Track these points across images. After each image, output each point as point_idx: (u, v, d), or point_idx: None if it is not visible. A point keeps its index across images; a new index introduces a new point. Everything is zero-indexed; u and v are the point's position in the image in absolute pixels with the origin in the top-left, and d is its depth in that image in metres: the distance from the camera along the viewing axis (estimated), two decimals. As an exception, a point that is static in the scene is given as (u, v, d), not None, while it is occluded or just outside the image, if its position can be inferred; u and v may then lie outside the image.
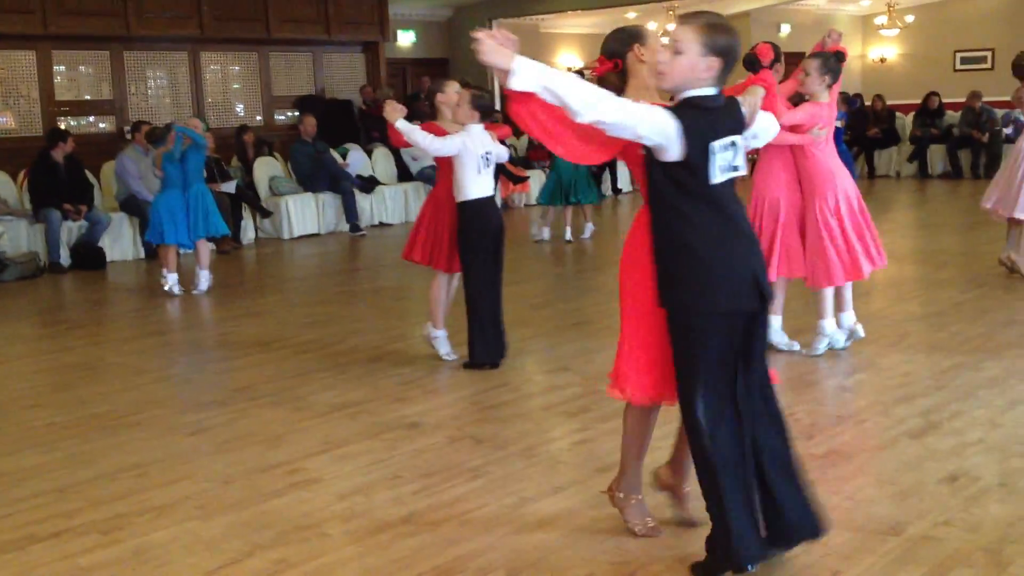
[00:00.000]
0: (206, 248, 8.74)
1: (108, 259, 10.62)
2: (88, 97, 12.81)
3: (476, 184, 5.65)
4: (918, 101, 17.22)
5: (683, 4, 18.83)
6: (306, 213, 12.45)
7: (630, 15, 20.62)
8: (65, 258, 10.35)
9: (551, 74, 2.87)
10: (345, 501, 3.94)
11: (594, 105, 2.88)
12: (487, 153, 5.66)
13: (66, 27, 11.98)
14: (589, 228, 11.22)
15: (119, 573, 3.41)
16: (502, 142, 6.03)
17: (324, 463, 4.38)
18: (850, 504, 3.72)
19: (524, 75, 2.86)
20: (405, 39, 17.21)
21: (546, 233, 11.05)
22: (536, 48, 19.76)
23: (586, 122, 2.90)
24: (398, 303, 8.15)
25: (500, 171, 14.52)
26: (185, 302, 8.37)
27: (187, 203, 8.57)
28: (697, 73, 2.99)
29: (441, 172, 5.88)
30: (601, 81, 3.30)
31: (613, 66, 3.34)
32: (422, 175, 13.89)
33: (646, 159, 3.06)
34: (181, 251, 8.85)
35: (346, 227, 12.51)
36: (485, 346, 5.77)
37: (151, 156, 9.25)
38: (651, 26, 19.89)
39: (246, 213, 11.95)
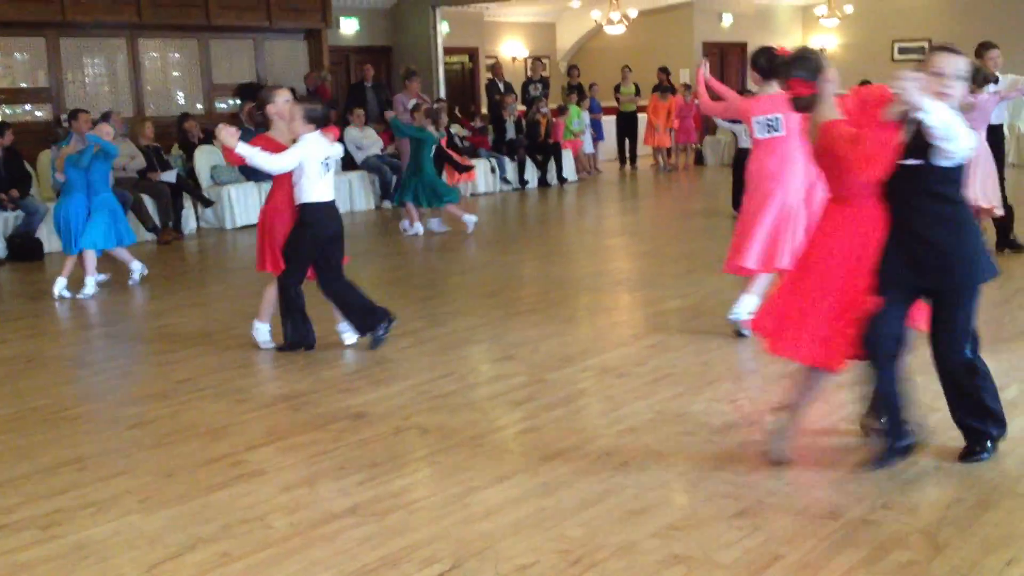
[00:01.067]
0: (92, 256, 8.18)
1: (45, 250, 10.41)
2: (24, 85, 12.52)
3: (316, 188, 5.86)
4: (857, 91, 17.48)
5: (626, -7, 18.91)
6: (249, 202, 12.29)
7: (574, 4, 20.67)
8: (1, 249, 10.13)
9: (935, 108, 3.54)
10: (289, 493, 3.92)
11: (958, 133, 3.61)
12: (327, 158, 5.90)
13: (0, 12, 11.69)
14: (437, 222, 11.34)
15: (59, 569, 3.36)
16: (339, 140, 6.50)
17: (268, 455, 4.35)
18: (790, 489, 3.79)
19: (935, 113, 3.52)
20: (348, 27, 17.05)
21: (419, 228, 11.12)
22: (481, 36, 19.74)
23: (952, 148, 3.62)
24: (343, 293, 8.09)
25: (446, 160, 14.48)
26: (124, 295, 8.24)
27: (91, 211, 8.17)
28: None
29: (277, 180, 6.00)
30: (797, 100, 4.08)
31: (812, 88, 4.03)
32: (367, 164, 13.81)
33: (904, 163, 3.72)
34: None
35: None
36: (296, 332, 6.06)
37: (54, 157, 8.98)
38: (595, 15, 19.97)
39: (187, 203, 11.78)
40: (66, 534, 3.61)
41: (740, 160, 11.17)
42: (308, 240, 5.89)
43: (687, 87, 18.18)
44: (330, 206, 5.97)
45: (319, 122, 5.84)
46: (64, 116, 11.85)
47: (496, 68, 17.58)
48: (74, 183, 8.22)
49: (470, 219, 11.05)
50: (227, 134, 5.66)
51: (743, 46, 22.15)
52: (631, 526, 3.52)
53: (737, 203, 11.29)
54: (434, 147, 11.33)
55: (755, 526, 3.48)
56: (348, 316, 6.12)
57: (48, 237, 10.57)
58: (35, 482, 4.12)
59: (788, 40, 22.98)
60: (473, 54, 19.63)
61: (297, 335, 6.08)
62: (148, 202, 11.17)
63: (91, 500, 3.90)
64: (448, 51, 18.25)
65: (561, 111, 16.83)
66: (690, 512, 3.64)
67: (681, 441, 4.34)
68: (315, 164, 5.82)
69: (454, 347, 6.11)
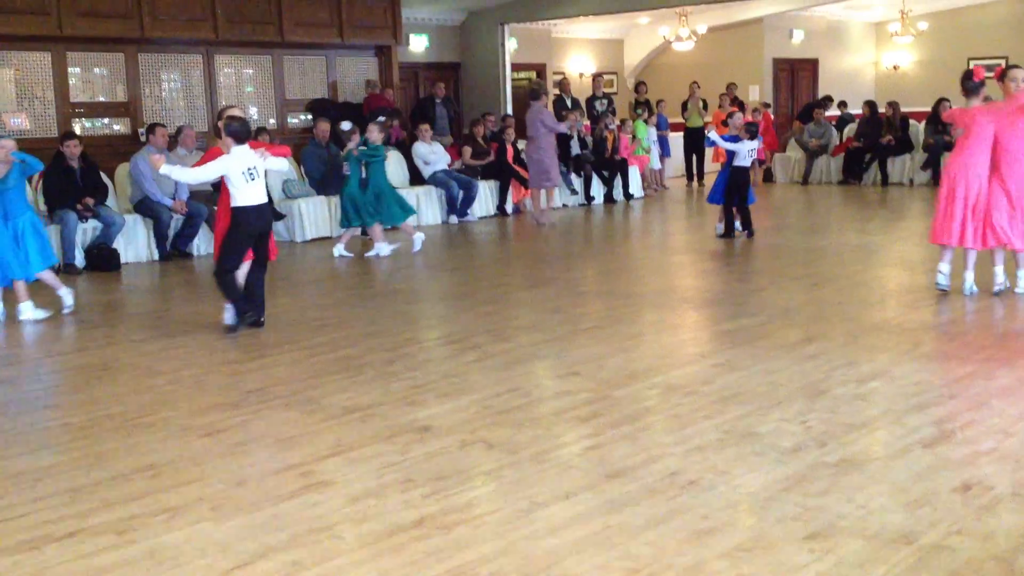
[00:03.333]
0: (23, 286, 7.83)
1: (122, 260, 10.68)
2: (103, 99, 12.87)
3: (243, 194, 6.89)
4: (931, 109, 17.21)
5: (694, 10, 18.88)
6: (318, 216, 12.49)
7: (642, 21, 20.67)
8: (80, 259, 10.41)
9: None
10: (357, 504, 3.95)
11: None
12: (250, 168, 6.89)
13: (81, 29, 12.04)
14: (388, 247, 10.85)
15: (133, 574, 3.43)
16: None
17: (336, 466, 4.39)
18: (862, 513, 3.72)
19: None
20: (418, 43, 17.25)
21: (387, 249, 10.77)
22: (548, 53, 19.81)
23: None
24: (411, 306, 8.17)
25: (511, 175, 14.55)
26: (197, 305, 8.40)
27: (15, 235, 7.83)
28: None
29: (223, 187, 7.15)
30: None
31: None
32: (434, 178, 13.92)
33: None
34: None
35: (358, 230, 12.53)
36: (239, 313, 7.12)
37: None
38: (663, 31, 19.93)
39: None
40: (140, 540, 3.68)
41: (737, 179, 11.12)
42: (241, 234, 6.96)
43: (767, 105, 18.10)
44: (258, 209, 6.98)
45: (239, 136, 6.86)
46: (142, 130, 12.19)
47: (563, 84, 17.62)
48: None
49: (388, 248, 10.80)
50: (155, 160, 6.94)
51: (814, 62, 21.93)
52: (698, 546, 3.49)
53: (746, 224, 11.26)
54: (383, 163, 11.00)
55: (826, 550, 3.43)
56: (239, 298, 7.09)
57: (125, 248, 10.84)
58: (110, 488, 4.21)
59: (860, 57, 22.72)
60: (541, 70, 19.71)
61: (239, 315, 7.11)
62: (221, 214, 11.38)
63: (164, 507, 3.98)
64: (516, 67, 18.37)
65: (623, 125, 16.81)
66: (759, 534, 3.59)
67: (749, 461, 4.29)
68: (238, 174, 6.84)
69: (519, 362, 6.12)
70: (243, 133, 6.91)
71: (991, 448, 4.34)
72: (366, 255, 10.76)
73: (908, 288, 8.12)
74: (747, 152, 11.17)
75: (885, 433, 4.65)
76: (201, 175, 7.19)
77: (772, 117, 19.03)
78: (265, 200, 7.09)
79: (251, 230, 6.99)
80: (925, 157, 16.54)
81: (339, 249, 10.83)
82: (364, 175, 10.72)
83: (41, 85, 12.21)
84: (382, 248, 10.73)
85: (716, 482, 4.06)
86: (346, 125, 11.04)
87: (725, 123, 13.34)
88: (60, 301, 8.10)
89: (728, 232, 11.22)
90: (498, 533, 3.65)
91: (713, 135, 11.71)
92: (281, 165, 7.37)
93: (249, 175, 6.88)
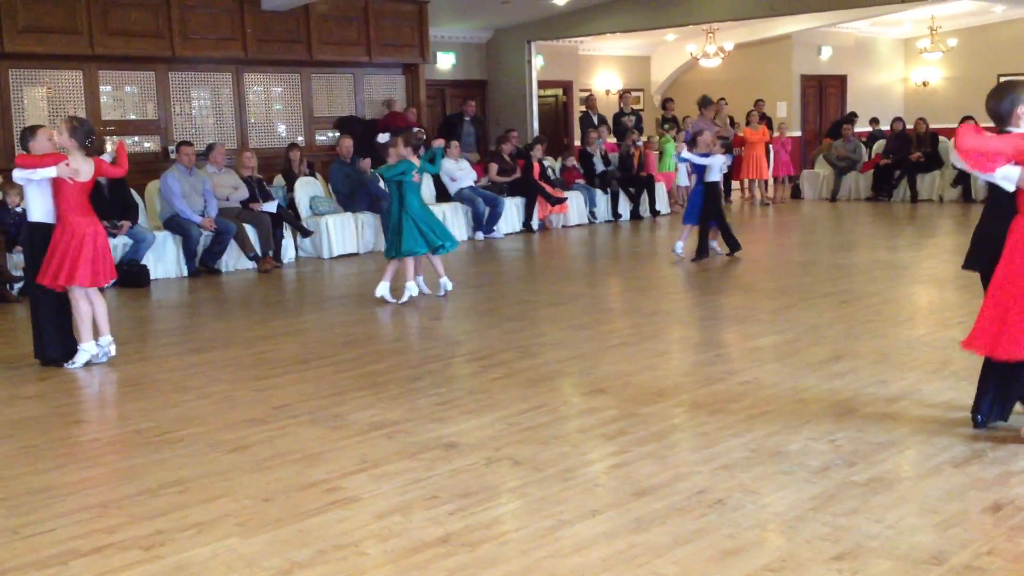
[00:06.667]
0: None
1: (152, 276, 10.76)
2: (133, 117, 13.02)
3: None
4: (961, 125, 17.09)
5: (721, 28, 18.87)
6: (345, 233, 12.55)
7: (669, 38, 20.67)
8: (109, 275, 10.49)
9: None
10: (383, 520, 3.95)
11: None
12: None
13: (112, 48, 12.20)
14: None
15: (160, 589, 3.45)
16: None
17: (362, 482, 4.40)
18: (892, 532, 3.68)
19: None
20: (445, 61, 17.34)
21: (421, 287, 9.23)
22: (575, 70, 19.85)
23: None
24: (436, 322, 8.19)
25: (538, 192, 14.57)
26: (224, 321, 8.44)
27: None
28: None
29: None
30: None
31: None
32: (460, 195, 13.96)
33: None
34: None
35: (385, 247, 12.58)
36: (53, 345, 6.78)
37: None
38: (690, 48, 19.92)
39: (287, 232, 12.06)
40: (168, 555, 3.70)
41: (711, 194, 10.88)
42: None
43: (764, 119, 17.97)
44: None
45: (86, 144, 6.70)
46: (172, 147, 12.32)
47: (590, 101, 17.65)
48: None
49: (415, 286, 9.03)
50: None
51: (843, 78, 21.83)
52: (726, 566, 3.46)
53: (731, 243, 10.95)
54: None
55: (855, 570, 3.39)
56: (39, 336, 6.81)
57: (155, 264, 10.94)
58: (138, 503, 4.24)
59: (889, 73, 22.61)
60: (567, 87, 19.75)
61: (56, 351, 6.81)
62: (250, 231, 11.47)
63: (192, 522, 4.00)
64: (543, 84, 18.43)
65: (649, 141, 16.80)
66: (787, 554, 3.56)
67: (777, 480, 4.26)
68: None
69: (545, 379, 6.11)
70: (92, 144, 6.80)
71: (1022, 468, 4.28)
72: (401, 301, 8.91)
73: (938, 306, 8.04)
74: (719, 167, 10.99)
75: (915, 452, 4.60)
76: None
77: (776, 137, 18.43)
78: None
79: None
80: (955, 174, 16.42)
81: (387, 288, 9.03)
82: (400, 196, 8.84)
83: (73, 103, 12.37)
84: (411, 287, 8.97)
85: (744, 501, 4.03)
86: (383, 137, 9.43)
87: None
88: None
89: (702, 254, 10.82)
90: (523, 551, 3.63)
91: (684, 152, 11.46)
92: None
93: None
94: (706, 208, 10.89)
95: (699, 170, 11.07)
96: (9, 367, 6.92)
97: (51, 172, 6.57)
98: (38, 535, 3.91)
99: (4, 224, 9.84)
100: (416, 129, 10.95)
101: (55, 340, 6.82)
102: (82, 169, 6.70)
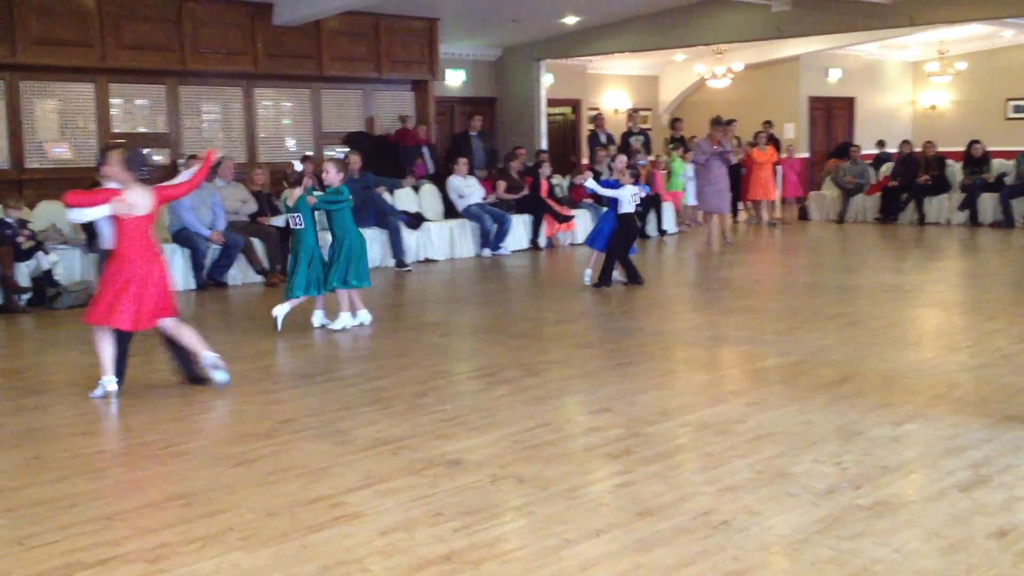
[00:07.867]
0: None
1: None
2: (143, 129, 13.08)
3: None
4: (968, 149, 17.12)
5: (729, 49, 18.92)
6: (352, 248, 12.55)
7: (678, 57, 20.74)
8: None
9: None
10: (387, 537, 3.95)
11: None
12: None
13: (123, 61, 12.27)
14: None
15: (163, 602, 3.45)
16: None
17: (366, 498, 4.39)
18: (897, 557, 3.67)
19: None
20: (454, 78, 17.41)
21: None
22: (584, 88, 19.92)
23: None
24: (442, 339, 8.19)
25: (545, 210, 14.60)
26: (232, 335, 8.46)
27: None
28: None
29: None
30: None
31: None
32: (468, 212, 13.99)
33: None
34: None
35: (392, 263, 12.62)
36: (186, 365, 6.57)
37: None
38: (699, 68, 19.98)
39: (294, 247, 12.06)
40: (172, 568, 3.70)
41: (625, 227, 10.35)
42: None
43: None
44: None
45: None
46: (181, 161, 12.37)
47: (598, 119, 17.70)
48: None
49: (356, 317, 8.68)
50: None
51: (850, 101, 21.88)
52: (730, 587, 3.45)
53: (632, 275, 10.33)
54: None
55: (859, 594, 3.38)
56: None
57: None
58: (143, 516, 4.24)
59: (897, 96, 22.64)
60: (576, 106, 19.82)
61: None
62: (257, 245, 11.51)
63: (196, 535, 4.00)
64: (551, 103, 18.49)
65: (657, 160, 16.82)
66: (791, 576, 3.55)
67: (783, 502, 4.25)
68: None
69: (550, 397, 6.11)
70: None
71: (1029, 494, 4.27)
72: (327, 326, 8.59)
73: (945, 330, 8.02)
74: (630, 197, 10.39)
75: (920, 476, 4.59)
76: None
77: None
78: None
79: None
80: (963, 198, 16.43)
81: (320, 318, 8.68)
82: (329, 227, 8.59)
83: (83, 115, 12.44)
84: (344, 319, 8.58)
85: (749, 523, 4.02)
86: (299, 165, 8.80)
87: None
88: None
89: (604, 282, 10.39)
90: (527, 569, 3.63)
91: (590, 182, 10.92)
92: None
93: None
94: (619, 242, 10.42)
95: (612, 201, 10.52)
96: (15, 378, 6.93)
97: (104, 211, 6.16)
98: (43, 546, 3.91)
99: (9, 237, 9.88)
100: (340, 154, 10.26)
101: (186, 360, 6.64)
102: (139, 203, 6.15)
